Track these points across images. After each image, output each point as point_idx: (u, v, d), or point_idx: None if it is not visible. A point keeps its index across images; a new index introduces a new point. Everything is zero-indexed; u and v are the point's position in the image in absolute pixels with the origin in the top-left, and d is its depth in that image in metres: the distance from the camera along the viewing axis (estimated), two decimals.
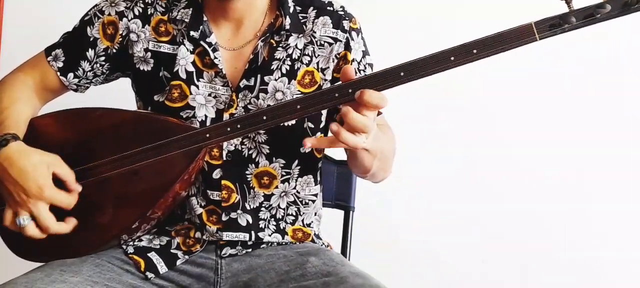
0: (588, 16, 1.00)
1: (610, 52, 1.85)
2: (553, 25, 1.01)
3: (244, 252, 1.26)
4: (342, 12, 1.30)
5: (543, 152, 1.96)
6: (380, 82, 1.09)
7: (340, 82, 1.11)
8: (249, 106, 1.25)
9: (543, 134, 1.96)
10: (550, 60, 1.84)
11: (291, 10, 1.27)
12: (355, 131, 1.07)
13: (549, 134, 1.96)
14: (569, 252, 1.96)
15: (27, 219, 1.15)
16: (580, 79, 1.93)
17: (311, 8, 1.29)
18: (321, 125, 1.30)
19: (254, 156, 1.26)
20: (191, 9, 1.26)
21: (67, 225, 1.17)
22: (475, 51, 1.05)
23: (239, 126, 1.15)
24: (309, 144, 1.11)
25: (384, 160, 1.26)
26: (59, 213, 1.17)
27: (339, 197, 1.53)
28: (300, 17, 1.28)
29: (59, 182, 1.17)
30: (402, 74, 1.08)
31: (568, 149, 1.96)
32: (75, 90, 1.34)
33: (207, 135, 1.17)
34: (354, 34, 1.30)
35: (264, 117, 1.14)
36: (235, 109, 1.24)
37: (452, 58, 1.05)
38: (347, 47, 1.29)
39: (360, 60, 1.31)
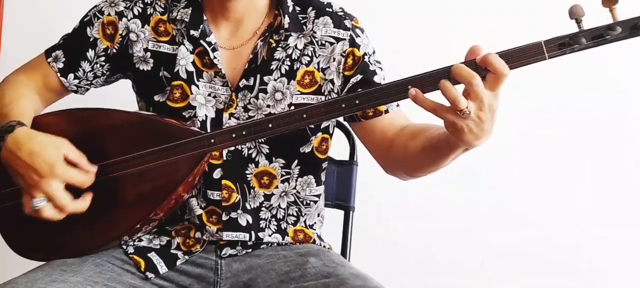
0: (597, 37, 1.01)
1: (610, 54, 1.85)
2: (562, 45, 1.01)
3: (243, 252, 1.27)
4: (341, 13, 1.30)
5: (543, 153, 1.97)
6: (386, 94, 1.09)
7: (357, 92, 1.10)
8: (248, 106, 1.25)
9: (543, 135, 1.96)
10: (549, 62, 1.84)
11: (290, 9, 1.27)
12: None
13: (548, 135, 1.96)
14: (568, 253, 1.97)
15: (42, 201, 1.12)
16: (580, 79, 1.93)
17: (310, 8, 1.29)
18: (322, 126, 1.30)
19: (253, 156, 1.26)
20: (191, 8, 1.26)
21: (84, 202, 1.15)
22: (484, 68, 1.04)
23: (244, 133, 1.15)
24: (413, 91, 1.01)
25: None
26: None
27: (339, 197, 1.53)
28: (300, 18, 1.28)
29: None
30: (409, 87, 1.07)
31: (567, 150, 1.96)
32: (76, 91, 1.34)
33: (212, 141, 1.17)
34: (358, 30, 1.30)
35: (270, 125, 1.14)
36: (235, 108, 1.24)
37: None
38: (353, 44, 1.28)
39: (370, 56, 1.30)
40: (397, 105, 1.30)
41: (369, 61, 1.29)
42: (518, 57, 1.03)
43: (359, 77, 1.28)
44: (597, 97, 1.95)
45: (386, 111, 1.29)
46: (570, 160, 1.97)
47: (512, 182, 1.97)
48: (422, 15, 1.95)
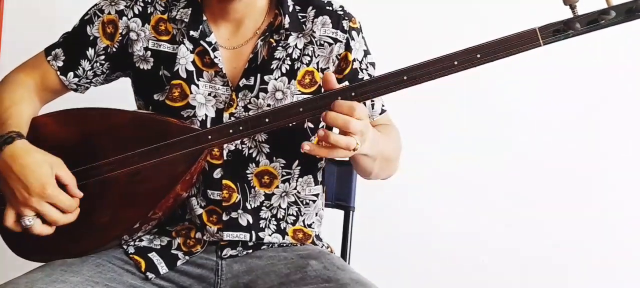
0: (592, 22, 1.01)
1: (613, 50, 1.85)
2: (557, 31, 1.01)
3: (244, 252, 1.26)
4: (341, 12, 1.30)
5: (542, 152, 1.96)
6: (383, 85, 1.09)
7: (342, 85, 1.11)
8: (249, 105, 1.25)
9: (543, 133, 1.96)
10: (550, 58, 1.84)
11: (290, 9, 1.27)
12: (344, 132, 1.07)
13: (549, 133, 1.96)
14: (568, 252, 1.97)
15: (32, 219, 1.14)
16: (580, 77, 1.93)
17: (310, 7, 1.29)
18: (320, 125, 1.29)
19: (254, 155, 1.26)
20: (190, 8, 1.26)
21: (73, 215, 1.17)
22: (478, 56, 1.05)
23: (241, 128, 1.15)
24: (306, 147, 1.09)
25: (387, 162, 1.27)
26: None
27: (339, 197, 1.53)
28: (300, 16, 1.28)
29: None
30: (405, 77, 1.08)
31: (568, 149, 1.95)
32: (75, 90, 1.34)
33: (209, 137, 1.17)
34: (354, 33, 1.30)
35: (267, 119, 1.14)
36: (235, 108, 1.24)
37: (456, 62, 1.06)
38: (348, 48, 1.29)
39: (362, 60, 1.31)
40: (384, 111, 1.33)
41: (359, 68, 1.30)
42: (512, 44, 1.03)
43: (347, 84, 1.28)
44: (598, 95, 1.94)
45: None
46: (570, 159, 1.96)
47: (513, 182, 1.96)
48: (417, 5, 1.96)
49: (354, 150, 1.08)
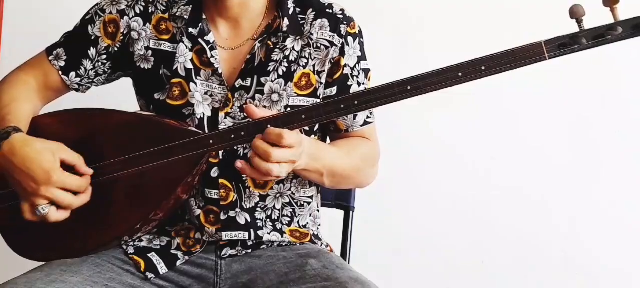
0: (598, 37, 1.01)
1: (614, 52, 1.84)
2: (563, 45, 1.01)
3: (244, 252, 1.27)
4: (341, 16, 1.29)
5: (543, 152, 1.96)
6: (388, 95, 1.09)
7: (346, 94, 1.11)
8: (245, 106, 1.24)
9: (543, 133, 1.96)
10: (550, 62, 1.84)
11: (291, 11, 1.26)
12: (264, 160, 1.10)
13: (549, 133, 1.96)
14: (568, 252, 1.97)
15: (46, 207, 1.14)
16: (582, 77, 1.93)
17: (310, 10, 1.28)
18: (315, 128, 1.30)
19: (248, 155, 1.26)
20: (191, 6, 1.26)
21: (87, 195, 1.17)
22: (484, 68, 1.05)
23: (243, 133, 1.15)
24: (239, 165, 1.13)
25: (342, 177, 1.28)
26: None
27: (339, 197, 1.53)
28: (299, 19, 1.27)
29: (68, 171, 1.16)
30: (409, 87, 1.08)
31: (568, 149, 1.96)
32: (77, 90, 1.34)
33: (211, 141, 1.17)
34: (350, 39, 1.29)
35: (268, 126, 1.13)
36: (231, 108, 1.24)
37: (460, 74, 1.06)
38: (342, 52, 1.28)
39: (354, 66, 1.30)
40: (368, 123, 1.33)
41: (350, 74, 1.29)
42: (518, 56, 1.03)
43: (335, 89, 1.29)
44: (598, 97, 1.95)
45: (346, 130, 1.32)
46: (571, 160, 1.96)
47: (513, 182, 1.97)
48: (423, 15, 1.95)
49: (277, 176, 1.13)
